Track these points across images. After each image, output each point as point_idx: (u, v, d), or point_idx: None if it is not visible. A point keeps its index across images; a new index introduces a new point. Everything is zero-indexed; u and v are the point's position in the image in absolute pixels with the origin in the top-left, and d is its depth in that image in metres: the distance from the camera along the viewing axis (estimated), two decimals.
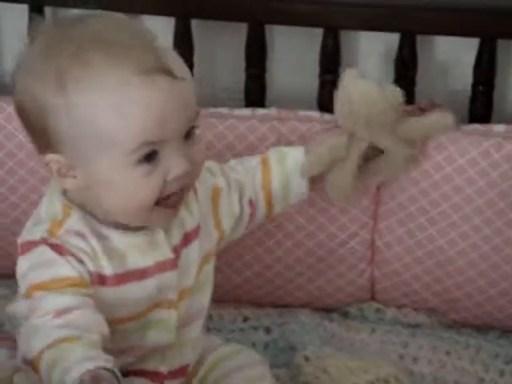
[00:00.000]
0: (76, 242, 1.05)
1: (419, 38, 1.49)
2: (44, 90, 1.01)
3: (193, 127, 1.04)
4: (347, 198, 1.33)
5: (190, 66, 1.52)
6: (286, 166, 1.26)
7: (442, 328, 1.48)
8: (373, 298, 1.53)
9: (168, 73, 0.99)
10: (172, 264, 1.11)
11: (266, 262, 1.49)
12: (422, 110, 1.31)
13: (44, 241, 1.05)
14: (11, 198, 1.50)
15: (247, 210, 1.24)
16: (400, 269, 1.47)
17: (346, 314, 1.52)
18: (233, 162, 1.28)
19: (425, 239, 1.44)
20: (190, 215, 1.14)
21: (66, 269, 1.04)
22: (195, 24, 1.54)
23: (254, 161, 1.27)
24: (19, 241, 1.07)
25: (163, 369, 1.16)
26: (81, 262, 1.05)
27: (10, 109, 1.46)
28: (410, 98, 1.49)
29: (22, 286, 1.06)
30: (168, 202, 1.05)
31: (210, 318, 1.47)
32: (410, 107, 1.31)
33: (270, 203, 1.26)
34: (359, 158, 1.28)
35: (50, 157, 1.05)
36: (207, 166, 1.20)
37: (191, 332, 1.18)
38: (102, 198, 1.05)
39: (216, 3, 1.50)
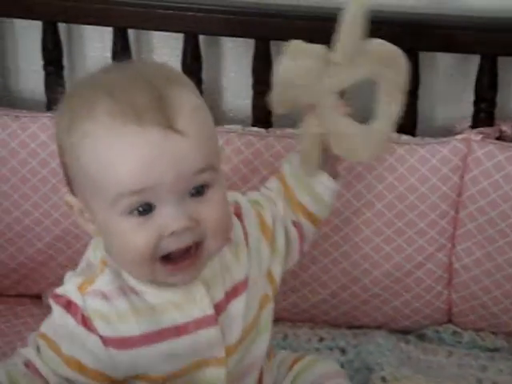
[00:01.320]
0: (100, 306, 1.04)
1: (500, 59, 1.48)
2: (61, 130, 1.04)
3: (204, 186, 1.00)
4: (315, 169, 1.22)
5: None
6: (299, 175, 1.22)
7: None
8: (450, 321, 1.51)
9: (166, 127, 0.97)
10: (212, 320, 1.07)
11: (342, 283, 1.49)
12: None
13: (65, 300, 1.05)
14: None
15: (295, 235, 1.21)
16: (478, 292, 1.46)
17: (422, 337, 1.50)
18: (264, 189, 1.23)
19: (504, 262, 1.42)
20: (238, 264, 1.11)
21: (63, 342, 1.05)
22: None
23: (275, 183, 1.23)
24: (57, 289, 1.09)
25: None
26: (93, 331, 1.04)
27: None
28: (490, 120, 1.48)
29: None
30: (174, 259, 1.01)
31: (285, 336, 1.48)
32: None
33: (309, 213, 1.23)
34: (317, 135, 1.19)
35: (69, 198, 1.06)
36: (252, 199, 1.18)
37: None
38: (109, 247, 1.05)
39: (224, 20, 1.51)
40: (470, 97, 1.50)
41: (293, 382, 1.21)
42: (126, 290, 1.05)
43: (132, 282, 1.05)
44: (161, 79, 1.01)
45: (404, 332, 1.51)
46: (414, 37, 1.48)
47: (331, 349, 1.46)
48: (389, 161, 1.45)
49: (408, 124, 1.53)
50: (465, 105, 1.52)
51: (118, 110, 0.97)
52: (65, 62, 1.64)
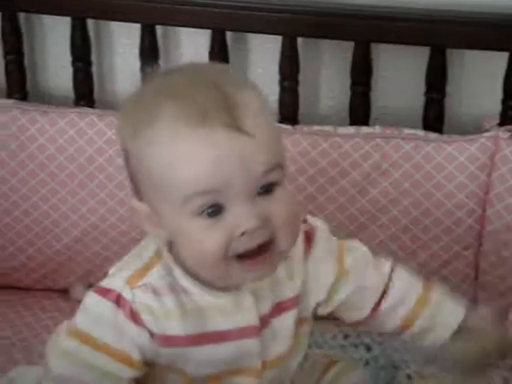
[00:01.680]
0: (149, 300, 1.04)
1: None
2: (126, 135, 1.03)
3: (272, 184, 0.99)
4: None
5: (296, 83, 1.55)
6: (436, 322, 1.16)
7: None
8: None
9: (233, 128, 0.96)
10: (255, 331, 1.06)
11: None
12: None
13: (115, 295, 1.04)
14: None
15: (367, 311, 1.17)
16: (504, 290, 1.45)
17: None
18: (388, 265, 1.18)
19: None
20: (290, 283, 1.09)
21: (112, 336, 1.04)
22: (300, 42, 1.56)
23: (412, 290, 1.17)
24: (102, 282, 1.07)
25: None
26: (141, 325, 1.03)
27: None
28: None
29: (75, 316, 1.07)
30: (247, 257, 1.00)
31: (311, 333, 1.47)
32: None
33: (402, 332, 1.19)
34: None
35: (135, 203, 1.05)
36: (350, 246, 1.16)
37: None
38: (180, 249, 1.04)
39: (322, 23, 1.51)
40: (498, 94, 1.50)
41: None
42: (176, 288, 1.04)
43: (183, 281, 1.05)
44: (224, 80, 1.00)
45: None
46: (442, 34, 1.47)
47: (356, 346, 1.46)
48: (416, 158, 1.44)
49: (435, 121, 1.53)
50: (493, 102, 1.52)
51: (182, 112, 0.96)
52: (93, 58, 1.65)
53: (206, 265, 1.01)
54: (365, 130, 1.50)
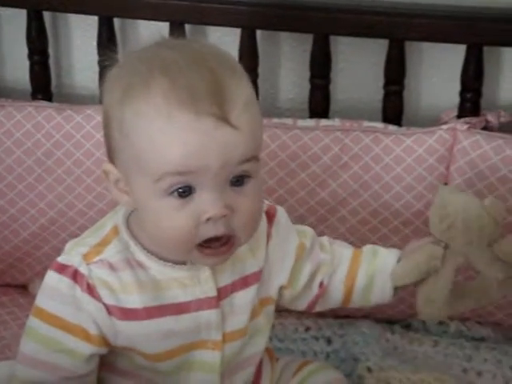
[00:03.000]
0: (105, 275, 1.05)
1: (486, 49, 1.48)
2: (112, 99, 1.03)
3: (244, 176, 1.02)
4: (439, 313, 1.17)
5: (255, 75, 1.54)
6: (375, 268, 1.19)
7: (507, 342, 1.46)
8: None
9: (220, 119, 0.98)
10: (213, 303, 1.08)
11: None
12: None
13: (72, 270, 1.05)
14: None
15: (315, 291, 1.19)
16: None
17: (408, 326, 1.51)
18: (326, 240, 1.22)
19: None
20: (252, 259, 1.12)
21: (69, 311, 1.05)
22: (260, 34, 1.55)
23: (346, 252, 1.21)
24: (58, 258, 1.08)
25: None
26: (97, 299, 1.04)
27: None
28: (476, 110, 1.49)
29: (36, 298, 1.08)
30: (208, 246, 1.02)
31: (271, 326, 1.47)
32: None
33: (348, 299, 1.21)
34: (454, 272, 1.14)
35: (108, 167, 1.06)
36: (299, 229, 1.19)
37: (240, 379, 1.15)
38: (144, 223, 1.05)
39: (281, 15, 1.51)
40: (457, 87, 1.51)
41: None
42: (132, 263, 1.06)
43: (140, 255, 1.06)
44: (220, 66, 1.01)
45: (390, 322, 1.51)
46: (400, 26, 1.48)
47: (317, 339, 1.46)
48: (375, 151, 1.45)
49: (394, 114, 1.54)
50: (451, 95, 1.53)
51: (175, 93, 0.97)
52: (50, 50, 1.63)
53: (169, 244, 1.03)
54: (324, 122, 1.50)
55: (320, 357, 1.42)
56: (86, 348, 1.06)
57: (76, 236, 1.42)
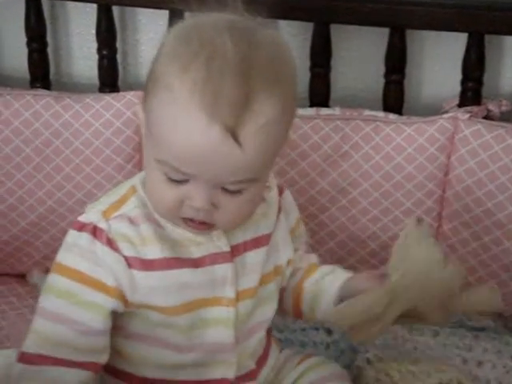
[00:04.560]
0: (125, 228, 1.07)
1: (487, 38, 1.47)
2: (160, 67, 1.01)
3: (240, 190, 1.01)
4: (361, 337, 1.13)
5: None
6: (320, 288, 1.18)
7: (507, 332, 1.45)
8: None
9: (231, 134, 0.96)
10: (227, 257, 1.10)
11: (328, 263, 1.47)
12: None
13: (91, 227, 1.07)
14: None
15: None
16: (464, 272, 1.45)
17: None
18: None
19: (491, 242, 1.42)
20: (264, 222, 1.14)
21: (88, 265, 1.06)
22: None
23: (305, 262, 1.22)
24: (78, 217, 1.10)
25: (230, 375, 1.13)
26: (117, 251, 1.06)
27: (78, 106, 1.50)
28: (477, 99, 1.48)
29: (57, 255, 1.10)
30: (191, 223, 1.05)
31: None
32: None
33: (297, 310, 1.21)
34: (394, 319, 1.09)
35: (137, 108, 1.08)
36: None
37: (251, 344, 1.16)
38: (146, 182, 1.08)
39: (281, 3, 1.50)
40: (458, 76, 1.50)
41: (297, 380, 1.21)
42: (150, 218, 1.08)
43: (156, 214, 1.08)
44: (260, 76, 0.97)
45: None
46: (401, 14, 1.47)
47: (317, 329, 1.45)
48: (375, 140, 1.44)
49: (395, 102, 1.53)
50: (452, 84, 1.52)
51: (201, 92, 0.96)
52: (48, 38, 1.62)
53: (157, 209, 1.07)
54: (325, 111, 1.49)
55: (320, 347, 1.41)
56: (104, 301, 1.07)
57: None
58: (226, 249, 1.10)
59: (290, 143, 1.43)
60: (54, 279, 1.08)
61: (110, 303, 1.07)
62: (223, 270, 1.10)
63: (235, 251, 1.11)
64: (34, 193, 1.52)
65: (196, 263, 1.09)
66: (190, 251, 1.09)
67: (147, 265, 1.07)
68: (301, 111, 1.49)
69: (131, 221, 1.07)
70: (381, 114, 1.49)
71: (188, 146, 0.97)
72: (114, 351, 1.11)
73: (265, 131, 0.98)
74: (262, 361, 1.19)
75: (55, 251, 1.49)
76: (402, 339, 1.44)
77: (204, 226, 1.05)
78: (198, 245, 1.09)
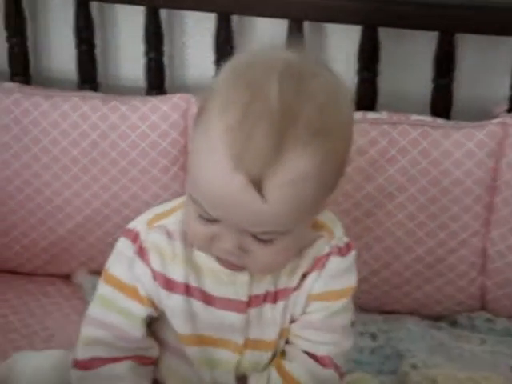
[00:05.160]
0: (160, 241, 1.07)
1: None
2: (209, 92, 0.99)
3: (271, 240, 0.98)
4: None
5: None
6: None
7: None
8: (483, 307, 1.49)
9: (255, 186, 0.92)
10: (241, 307, 1.08)
11: (374, 268, 1.47)
12: None
13: (133, 233, 1.09)
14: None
15: None
16: None
17: (454, 323, 1.48)
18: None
19: None
20: (290, 275, 1.08)
21: (125, 271, 1.09)
22: (307, 26, 1.53)
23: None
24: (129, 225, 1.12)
25: None
26: (146, 263, 1.07)
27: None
28: None
29: None
30: (222, 262, 1.03)
31: None
32: None
33: None
34: None
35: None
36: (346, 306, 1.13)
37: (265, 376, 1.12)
38: (183, 216, 1.07)
39: (329, 6, 1.49)
40: (507, 80, 1.48)
41: None
42: (186, 238, 1.07)
43: None
44: (300, 125, 0.93)
45: (436, 318, 1.49)
46: (451, 18, 1.46)
47: (362, 334, 1.45)
48: (423, 145, 1.43)
49: (443, 107, 1.51)
50: (502, 88, 1.50)
51: (232, 134, 0.92)
52: (97, 41, 1.63)
53: (192, 242, 1.05)
54: (371, 115, 1.48)
55: (364, 353, 1.40)
56: (139, 309, 1.09)
57: (120, 226, 1.44)
58: (244, 299, 1.07)
59: None
60: (100, 286, 1.11)
61: (143, 311, 1.09)
62: (234, 318, 1.08)
63: (254, 302, 1.08)
64: (81, 194, 1.53)
65: (209, 300, 1.08)
66: (209, 286, 1.07)
67: (170, 285, 1.07)
68: None
69: (169, 234, 1.07)
70: (428, 118, 1.47)
71: (211, 190, 0.95)
72: None
73: (294, 185, 0.93)
74: None
75: (100, 252, 1.53)
76: (449, 346, 1.42)
77: (234, 266, 1.03)
78: (218, 282, 1.07)
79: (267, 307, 1.09)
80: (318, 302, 1.09)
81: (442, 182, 1.43)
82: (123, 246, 1.10)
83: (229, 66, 1.00)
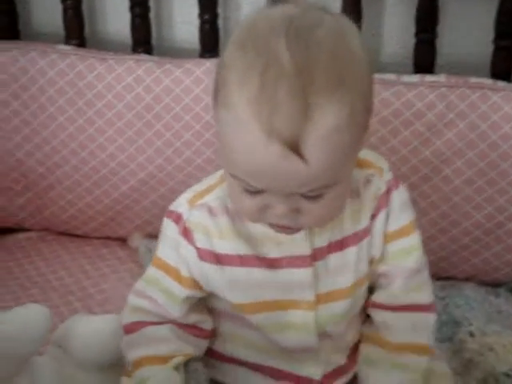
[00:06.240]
0: (203, 219, 1.07)
1: None
2: (221, 68, 0.99)
3: (320, 195, 0.97)
4: None
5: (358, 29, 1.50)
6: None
7: None
8: None
9: (292, 149, 0.91)
10: (307, 261, 1.07)
11: (431, 233, 1.45)
12: None
13: (176, 214, 1.08)
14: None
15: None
16: None
17: None
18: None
19: None
20: (357, 219, 1.08)
21: (168, 253, 1.09)
22: None
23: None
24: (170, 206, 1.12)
25: (316, 373, 1.11)
26: (190, 242, 1.07)
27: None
28: None
29: None
30: (276, 227, 1.02)
31: None
32: None
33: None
34: None
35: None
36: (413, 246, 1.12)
37: (345, 340, 1.13)
38: (228, 191, 1.06)
39: None
40: None
41: None
42: (230, 211, 1.07)
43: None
44: (323, 78, 0.91)
45: (494, 285, 1.47)
46: None
47: None
48: (482, 108, 1.40)
49: (504, 69, 1.48)
50: None
51: (257, 105, 0.92)
52: (151, 3, 1.62)
53: (243, 215, 1.05)
54: (429, 78, 1.45)
55: None
56: (179, 290, 1.09)
57: (175, 191, 1.44)
58: (307, 252, 1.07)
59: (393, 111, 1.42)
60: (148, 267, 1.13)
61: (183, 293, 1.09)
62: (301, 274, 1.07)
63: (318, 254, 1.07)
64: (135, 158, 1.53)
65: (272, 264, 1.07)
66: (268, 250, 1.07)
67: (219, 259, 1.07)
68: (405, 78, 1.46)
69: (211, 211, 1.07)
70: (488, 81, 1.44)
71: (250, 164, 0.94)
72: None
73: (331, 138, 0.93)
74: (354, 354, 1.15)
75: (155, 216, 1.53)
76: (507, 313, 1.40)
77: (290, 229, 1.03)
78: (277, 244, 1.07)
79: (334, 257, 1.08)
80: (395, 242, 1.10)
81: (502, 146, 1.40)
82: (167, 227, 1.10)
83: (234, 37, 0.98)
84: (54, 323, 1.14)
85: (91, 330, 1.17)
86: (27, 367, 1.10)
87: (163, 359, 1.08)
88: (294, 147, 0.92)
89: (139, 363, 1.08)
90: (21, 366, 1.09)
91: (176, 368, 1.08)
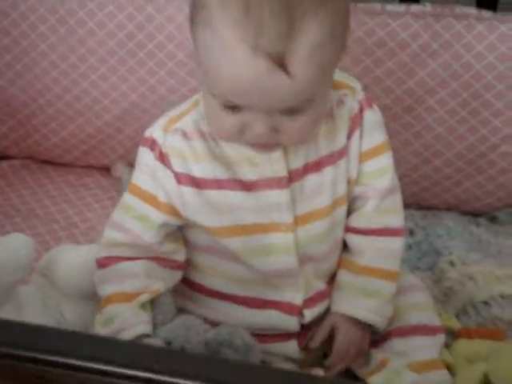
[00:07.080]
0: (179, 143, 1.08)
1: None
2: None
3: (299, 111, 1.00)
4: None
5: None
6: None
7: None
8: None
9: (277, 63, 0.95)
10: (284, 182, 1.08)
11: (413, 164, 1.46)
12: None
13: (151, 140, 1.10)
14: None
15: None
16: None
17: (493, 219, 1.48)
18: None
19: None
20: (328, 140, 1.10)
21: (144, 179, 1.10)
22: None
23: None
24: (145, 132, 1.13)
25: (297, 299, 1.13)
26: (168, 167, 1.08)
27: None
28: None
29: None
30: (255, 146, 1.04)
31: None
32: None
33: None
34: None
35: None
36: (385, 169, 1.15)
37: (326, 265, 1.15)
38: (204, 112, 1.07)
39: None
40: None
41: None
42: (205, 135, 1.09)
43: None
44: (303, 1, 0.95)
45: (475, 214, 1.49)
46: None
47: None
48: (467, 38, 1.39)
49: None
50: None
51: (243, 24, 0.94)
52: None
53: (220, 136, 1.06)
54: (414, 7, 1.44)
55: None
56: (155, 215, 1.10)
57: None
58: (283, 174, 1.08)
59: (376, 41, 1.41)
60: (124, 194, 1.13)
61: (159, 218, 1.10)
62: (278, 195, 1.09)
63: (294, 176, 1.09)
64: (118, 87, 1.52)
65: (248, 186, 1.08)
66: (244, 172, 1.08)
67: (196, 183, 1.08)
68: (390, 7, 1.44)
69: (185, 135, 1.08)
70: (474, 10, 1.43)
71: (236, 81, 0.96)
72: (187, 262, 1.13)
73: (314, 54, 0.96)
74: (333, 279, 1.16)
75: (138, 145, 1.52)
76: (487, 242, 1.42)
77: (268, 147, 1.04)
78: (254, 166, 1.08)
79: (311, 178, 1.10)
80: (368, 162, 1.13)
81: (486, 76, 1.40)
82: (143, 154, 1.11)
83: None
84: (39, 252, 1.15)
85: (75, 259, 1.18)
86: (12, 296, 1.11)
87: (130, 296, 1.09)
88: (280, 63, 0.94)
89: (109, 299, 1.10)
90: (5, 295, 1.10)
91: (142, 306, 1.09)
